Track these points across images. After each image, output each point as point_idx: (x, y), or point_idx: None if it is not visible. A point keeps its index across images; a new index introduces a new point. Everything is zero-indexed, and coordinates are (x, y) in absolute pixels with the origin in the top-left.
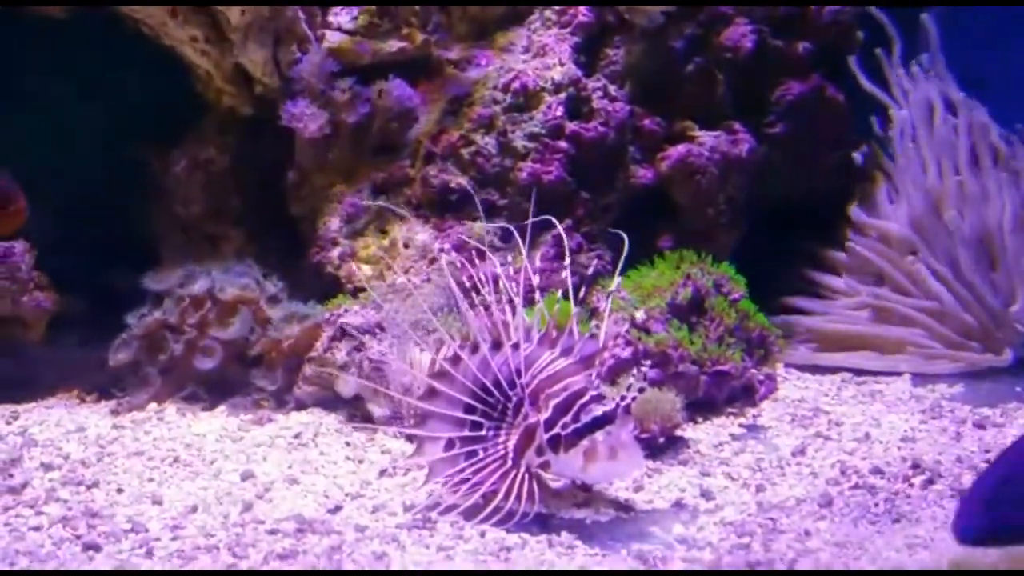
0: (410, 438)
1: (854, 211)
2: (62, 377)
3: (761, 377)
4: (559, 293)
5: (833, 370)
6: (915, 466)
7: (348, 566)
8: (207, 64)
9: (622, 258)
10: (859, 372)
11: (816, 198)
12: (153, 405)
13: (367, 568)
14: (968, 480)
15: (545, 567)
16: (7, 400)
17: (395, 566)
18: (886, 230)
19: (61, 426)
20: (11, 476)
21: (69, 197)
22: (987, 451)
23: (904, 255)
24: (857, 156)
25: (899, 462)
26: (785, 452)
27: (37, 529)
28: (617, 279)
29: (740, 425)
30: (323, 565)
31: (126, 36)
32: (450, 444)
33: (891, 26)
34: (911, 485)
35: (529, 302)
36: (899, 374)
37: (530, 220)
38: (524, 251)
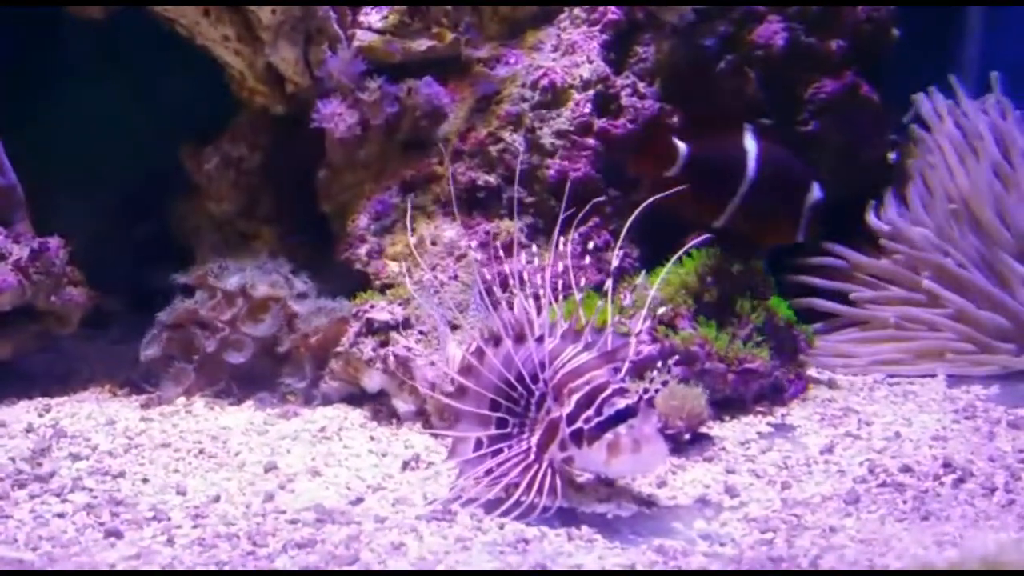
0: (435, 434)
1: (871, 218)
2: (96, 372)
3: (791, 376)
4: (583, 290)
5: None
6: (946, 465)
7: (365, 555)
8: (240, 64)
9: (672, 256)
10: (893, 373)
11: (858, 197)
12: (182, 399)
13: (384, 556)
14: (1001, 479)
15: (562, 558)
16: (41, 394)
17: (412, 555)
18: (909, 235)
19: (92, 419)
20: (39, 465)
21: (111, 197)
22: (1021, 451)
23: (932, 258)
24: (892, 156)
25: (930, 461)
26: (813, 450)
27: (61, 516)
28: (643, 275)
29: (768, 423)
30: (340, 554)
31: (163, 38)
32: (479, 443)
33: None
34: (941, 483)
35: (556, 299)
36: (933, 375)
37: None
38: (553, 246)
